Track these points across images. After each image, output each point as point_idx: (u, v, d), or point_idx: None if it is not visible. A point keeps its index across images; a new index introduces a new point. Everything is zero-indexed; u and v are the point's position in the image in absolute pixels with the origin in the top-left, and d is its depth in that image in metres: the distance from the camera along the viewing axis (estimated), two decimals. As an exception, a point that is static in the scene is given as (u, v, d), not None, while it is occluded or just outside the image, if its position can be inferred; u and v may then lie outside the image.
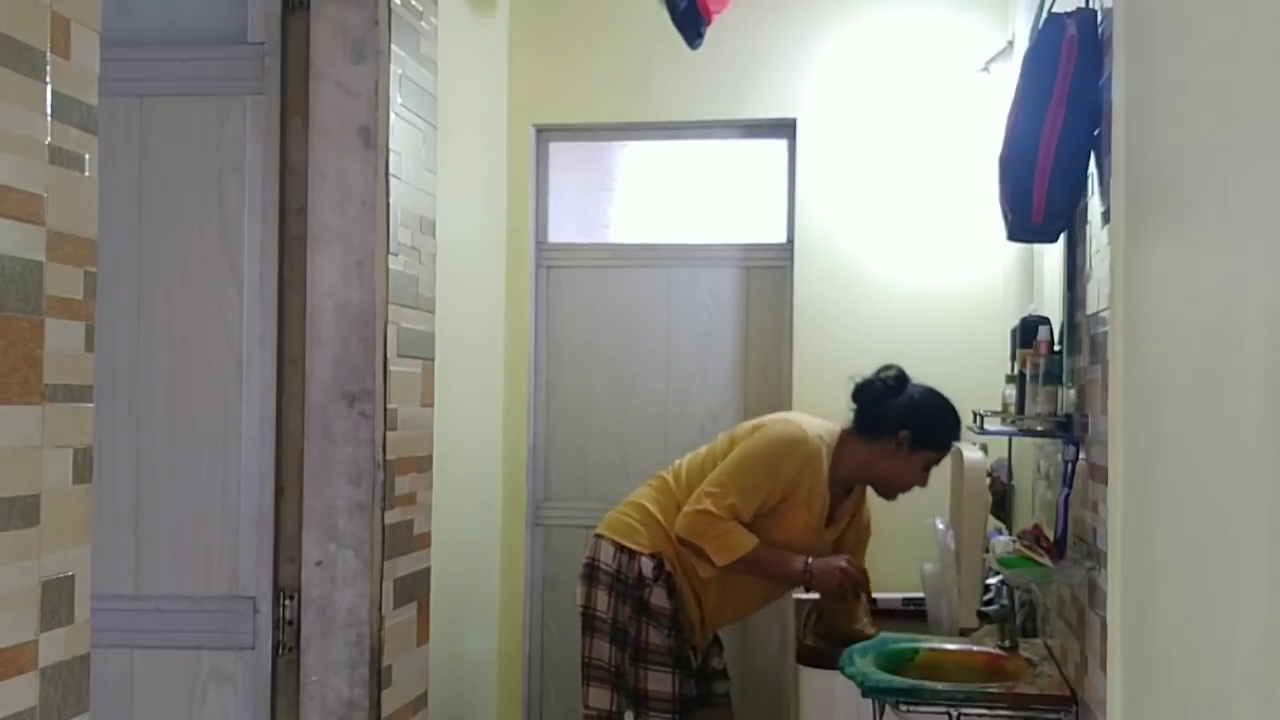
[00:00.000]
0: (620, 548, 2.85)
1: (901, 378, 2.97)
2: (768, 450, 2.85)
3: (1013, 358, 2.50)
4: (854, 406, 2.98)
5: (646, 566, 2.82)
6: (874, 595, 3.04)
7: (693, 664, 2.90)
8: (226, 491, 2.35)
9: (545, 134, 3.87)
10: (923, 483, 2.96)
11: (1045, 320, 2.36)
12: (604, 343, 3.84)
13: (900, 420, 2.89)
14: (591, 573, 2.88)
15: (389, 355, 2.42)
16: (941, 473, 3.17)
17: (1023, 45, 2.61)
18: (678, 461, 3.02)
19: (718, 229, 3.82)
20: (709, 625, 2.96)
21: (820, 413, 3.58)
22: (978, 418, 2.44)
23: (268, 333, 2.35)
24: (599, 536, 2.91)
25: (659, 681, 2.80)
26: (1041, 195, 1.96)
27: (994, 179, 2.14)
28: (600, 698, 2.84)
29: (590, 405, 3.84)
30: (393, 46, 2.42)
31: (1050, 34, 1.96)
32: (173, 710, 2.34)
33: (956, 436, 2.94)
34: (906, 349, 3.55)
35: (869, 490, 3.02)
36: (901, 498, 3.04)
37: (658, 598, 2.81)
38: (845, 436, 2.95)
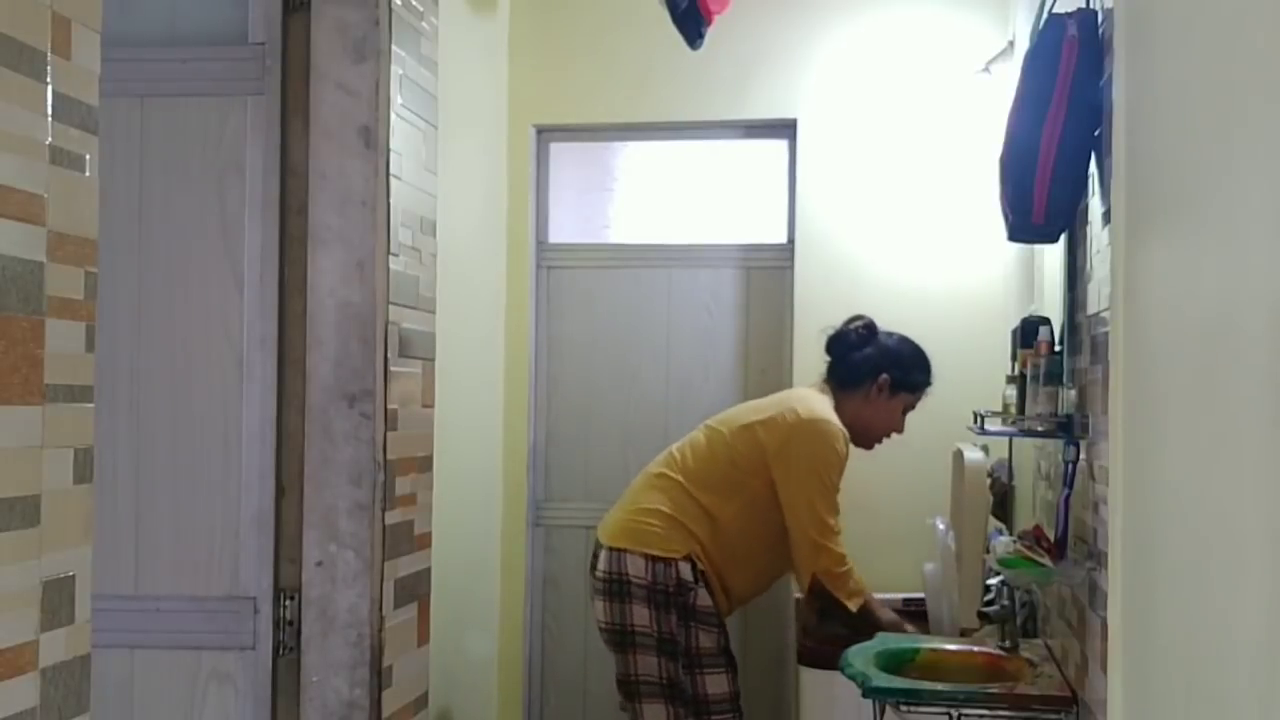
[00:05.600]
0: (652, 558, 2.80)
1: (872, 326, 3.07)
2: (834, 456, 2.87)
3: (1013, 358, 2.51)
4: (828, 359, 3.06)
5: (685, 571, 2.79)
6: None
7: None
8: (227, 492, 2.35)
9: (545, 134, 3.87)
10: (900, 428, 3.04)
11: (1046, 320, 2.37)
12: (604, 343, 3.84)
13: (878, 365, 3.00)
14: (618, 588, 2.81)
15: (389, 355, 2.42)
16: (942, 472, 3.17)
17: (1023, 45, 2.61)
18: (674, 452, 2.97)
19: (718, 229, 3.82)
20: (734, 609, 3.01)
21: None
22: (978, 418, 2.44)
23: (268, 333, 2.35)
24: (620, 550, 2.82)
25: (716, 684, 2.80)
26: (1042, 195, 1.96)
27: (994, 179, 2.14)
28: (657, 713, 2.80)
29: (591, 405, 3.84)
30: (393, 47, 2.42)
31: (1051, 34, 1.97)
32: (173, 710, 2.34)
33: (930, 379, 3.05)
34: (907, 349, 3.56)
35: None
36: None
37: (703, 599, 2.80)
38: (833, 393, 3.00)
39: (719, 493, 2.87)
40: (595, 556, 2.91)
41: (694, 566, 2.81)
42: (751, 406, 3.03)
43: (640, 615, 2.78)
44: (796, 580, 2.99)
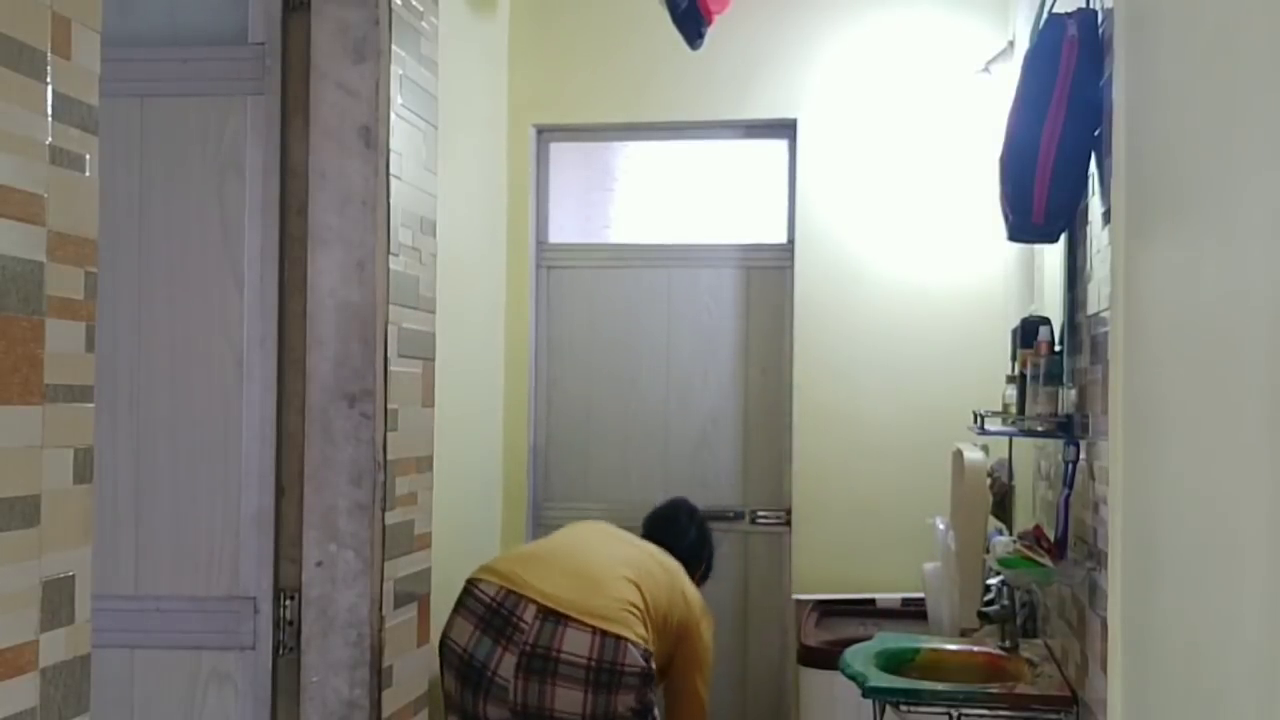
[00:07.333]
0: (644, 649, 2.60)
1: (695, 510, 3.25)
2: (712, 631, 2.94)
3: (1013, 358, 2.51)
4: (652, 535, 3.10)
5: (651, 661, 2.63)
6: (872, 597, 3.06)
7: None
8: (227, 491, 2.35)
9: (545, 134, 3.87)
10: None
11: (1046, 320, 2.37)
12: (604, 343, 3.84)
13: (706, 550, 3.18)
14: (608, 678, 2.55)
15: (389, 355, 2.42)
16: (942, 473, 3.17)
17: (1023, 46, 2.61)
18: (627, 569, 2.74)
19: (718, 229, 3.82)
20: None
21: (822, 412, 3.59)
22: (978, 418, 2.44)
23: (268, 333, 2.35)
24: (619, 638, 2.56)
25: None
26: (1042, 195, 1.96)
27: (994, 179, 2.14)
28: None
29: (590, 406, 3.84)
30: (393, 47, 2.42)
31: (1051, 34, 1.97)
32: (173, 710, 2.34)
33: None
34: (906, 349, 3.56)
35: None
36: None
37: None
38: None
39: (650, 631, 2.71)
40: (531, 624, 2.58)
41: None
42: (661, 565, 2.86)
43: (627, 700, 2.56)
44: None
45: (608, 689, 2.54)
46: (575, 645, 2.55)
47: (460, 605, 2.69)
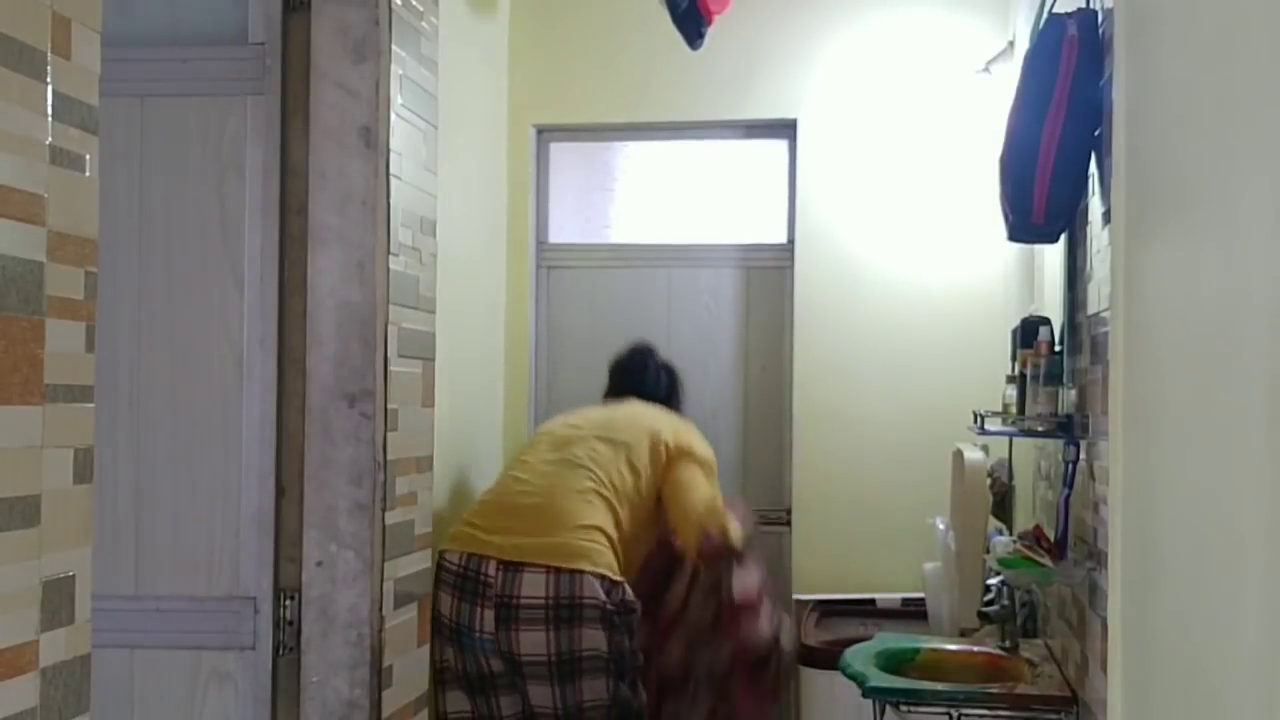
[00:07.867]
0: (609, 580, 2.62)
1: (655, 350, 3.33)
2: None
3: (1013, 358, 2.51)
4: (637, 390, 3.20)
5: (628, 592, 2.67)
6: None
7: None
8: (227, 492, 2.35)
9: (545, 134, 3.87)
10: None
11: (1046, 320, 2.37)
12: (605, 343, 3.83)
13: (679, 388, 3.27)
14: (567, 613, 2.58)
15: (389, 355, 2.42)
16: (942, 473, 3.18)
17: (1023, 46, 2.61)
18: (586, 463, 2.82)
19: (718, 229, 3.82)
20: None
21: (821, 412, 3.59)
22: (978, 418, 2.44)
23: (268, 333, 2.35)
24: (574, 571, 2.61)
25: (641, 690, 2.75)
26: (1042, 195, 1.96)
27: (994, 179, 2.14)
28: None
29: (590, 405, 3.84)
30: (393, 47, 2.42)
31: (1051, 34, 1.97)
32: (173, 710, 2.34)
33: None
34: (907, 349, 3.56)
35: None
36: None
37: (637, 621, 2.70)
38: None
39: (631, 509, 2.79)
40: (495, 578, 2.64)
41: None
42: (642, 413, 3.02)
43: (593, 639, 2.59)
44: (688, 541, 2.84)
45: (569, 624, 2.59)
46: (532, 588, 2.62)
47: (438, 580, 2.75)
